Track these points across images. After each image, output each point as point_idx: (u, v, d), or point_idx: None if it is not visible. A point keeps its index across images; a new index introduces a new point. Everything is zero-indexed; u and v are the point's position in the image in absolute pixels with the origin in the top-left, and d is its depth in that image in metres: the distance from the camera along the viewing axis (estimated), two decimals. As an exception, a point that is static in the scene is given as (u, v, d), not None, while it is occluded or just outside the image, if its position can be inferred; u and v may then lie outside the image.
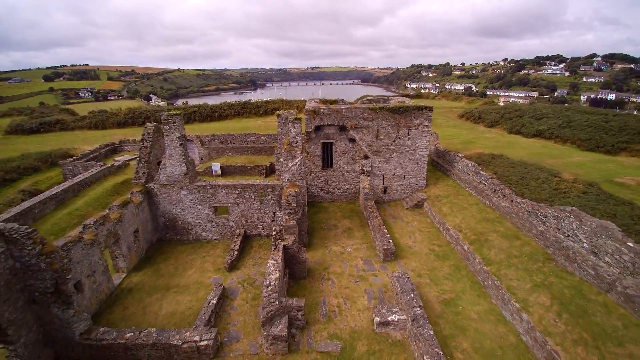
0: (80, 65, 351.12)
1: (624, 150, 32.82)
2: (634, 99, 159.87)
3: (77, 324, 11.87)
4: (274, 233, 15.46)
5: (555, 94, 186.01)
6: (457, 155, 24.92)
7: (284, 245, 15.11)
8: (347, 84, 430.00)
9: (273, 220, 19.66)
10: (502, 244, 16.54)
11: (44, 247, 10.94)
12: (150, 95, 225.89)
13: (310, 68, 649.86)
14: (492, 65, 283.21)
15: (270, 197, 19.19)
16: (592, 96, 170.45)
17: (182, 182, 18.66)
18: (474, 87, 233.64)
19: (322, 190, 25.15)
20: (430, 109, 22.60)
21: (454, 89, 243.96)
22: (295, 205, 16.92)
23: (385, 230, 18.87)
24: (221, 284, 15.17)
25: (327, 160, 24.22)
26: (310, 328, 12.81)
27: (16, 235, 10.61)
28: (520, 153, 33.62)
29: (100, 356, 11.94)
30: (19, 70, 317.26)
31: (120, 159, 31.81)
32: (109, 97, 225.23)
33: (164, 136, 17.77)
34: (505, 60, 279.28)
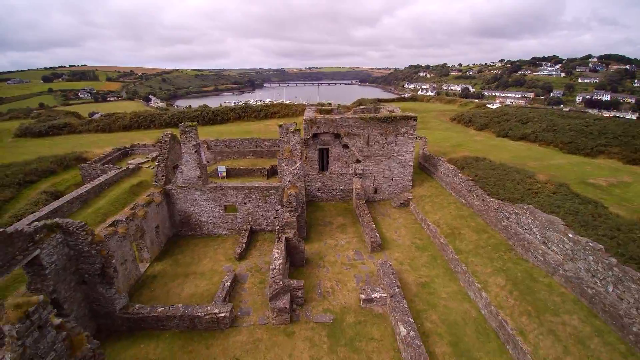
0: (78, 65, 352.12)
1: (602, 153, 35.35)
2: (629, 100, 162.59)
3: (118, 300, 14.56)
4: (277, 228, 18.19)
5: (551, 94, 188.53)
6: (440, 159, 27.69)
7: (285, 238, 17.82)
8: (345, 84, 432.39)
9: (276, 217, 22.38)
10: (472, 236, 19.33)
11: (94, 238, 13.60)
12: (150, 96, 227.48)
13: (309, 68, 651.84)
14: (489, 66, 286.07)
15: (273, 197, 21.91)
16: (588, 97, 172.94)
17: (196, 184, 21.35)
18: (470, 87, 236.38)
19: (319, 190, 27.86)
20: (415, 118, 25.34)
21: (451, 89, 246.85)
22: (295, 204, 19.63)
23: (374, 226, 21.64)
24: (232, 271, 17.90)
25: (323, 164, 26.95)
26: (308, 304, 15.56)
27: (72, 227, 13.28)
28: (505, 156, 36.21)
29: (136, 327, 14.62)
30: (18, 71, 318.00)
31: (133, 162, 34.35)
32: (108, 98, 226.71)
33: (182, 144, 20.44)
34: (502, 61, 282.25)
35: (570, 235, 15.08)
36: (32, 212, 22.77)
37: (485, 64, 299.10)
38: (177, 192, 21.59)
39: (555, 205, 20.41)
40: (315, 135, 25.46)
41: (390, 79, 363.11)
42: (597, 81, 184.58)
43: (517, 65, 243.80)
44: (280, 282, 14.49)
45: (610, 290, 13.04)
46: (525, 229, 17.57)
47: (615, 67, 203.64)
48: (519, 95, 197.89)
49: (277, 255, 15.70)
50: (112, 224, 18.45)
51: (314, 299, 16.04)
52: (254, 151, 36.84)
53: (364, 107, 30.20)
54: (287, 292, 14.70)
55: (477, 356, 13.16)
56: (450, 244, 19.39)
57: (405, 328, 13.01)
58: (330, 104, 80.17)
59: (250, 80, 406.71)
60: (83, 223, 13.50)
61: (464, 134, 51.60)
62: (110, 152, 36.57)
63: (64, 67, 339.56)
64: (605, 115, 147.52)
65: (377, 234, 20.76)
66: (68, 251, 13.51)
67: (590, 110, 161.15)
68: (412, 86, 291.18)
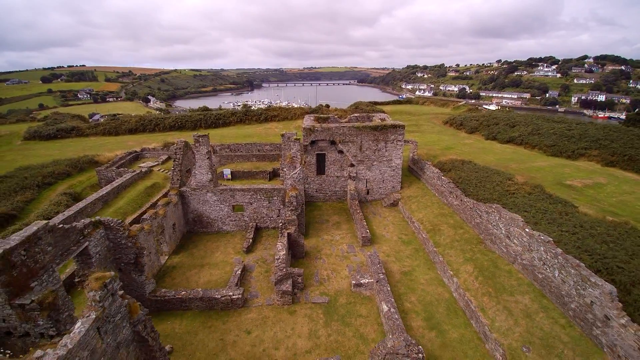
0: (77, 66, 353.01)
1: (583, 156, 37.94)
2: (624, 100, 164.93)
3: (147, 285, 17.34)
4: (280, 225, 21.01)
5: (547, 95, 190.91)
6: (427, 163, 30.56)
7: (288, 233, 20.63)
8: (343, 84, 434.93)
9: (278, 216, 25.19)
10: (449, 232, 22.21)
11: (129, 232, 16.37)
12: (149, 96, 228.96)
13: (307, 68, 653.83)
14: (485, 66, 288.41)
15: (276, 198, 24.72)
16: (583, 97, 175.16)
17: (208, 187, 24.13)
18: (467, 88, 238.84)
19: (316, 192, 30.69)
20: (403, 127, 28.17)
21: (448, 90, 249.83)
22: (295, 204, 22.44)
23: (365, 223, 24.51)
24: (242, 262, 20.73)
25: (320, 167, 29.79)
26: (307, 289, 18.41)
27: (112, 224, 16.05)
28: (490, 158, 38.87)
29: (163, 308, 17.40)
30: (16, 71, 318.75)
31: (144, 165, 37.07)
32: (107, 99, 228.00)
33: (195, 151, 23.20)
34: (499, 61, 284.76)
35: (527, 230, 17.96)
36: (57, 212, 25.45)
37: (483, 64, 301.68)
38: (190, 193, 24.35)
39: (528, 205, 23.17)
40: (313, 142, 28.26)
41: (388, 79, 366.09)
42: (593, 82, 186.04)
43: (513, 66, 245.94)
44: (284, 270, 17.32)
45: (556, 275, 15.93)
46: (493, 225, 20.45)
47: (610, 67, 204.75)
48: (516, 96, 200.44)
49: (280, 248, 18.55)
50: (136, 221, 21.21)
51: (312, 284, 18.89)
52: (256, 155, 39.62)
53: (358, 115, 33.03)
54: (289, 278, 17.53)
55: (445, 328, 16.05)
56: (431, 239, 22.27)
57: (386, 305, 15.87)
58: (328, 106, 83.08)
59: (248, 80, 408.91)
60: (121, 220, 16.26)
61: (455, 137, 54.13)
62: (122, 156, 39.22)
63: (63, 67, 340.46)
64: (600, 115, 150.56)
65: (368, 230, 23.63)
66: (108, 243, 16.27)
67: (585, 111, 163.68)
68: (409, 87, 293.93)
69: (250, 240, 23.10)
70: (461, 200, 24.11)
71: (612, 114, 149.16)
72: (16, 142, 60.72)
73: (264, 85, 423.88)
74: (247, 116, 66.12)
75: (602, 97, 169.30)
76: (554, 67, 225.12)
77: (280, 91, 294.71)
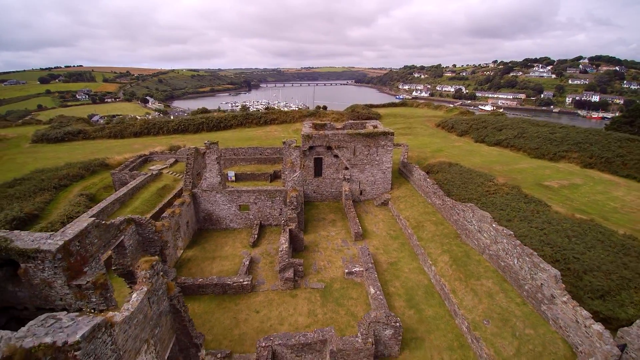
0: (74, 66, 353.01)
1: (564, 158, 40.75)
2: (617, 101, 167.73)
3: (170, 273, 20.27)
4: (282, 222, 23.99)
5: (542, 95, 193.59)
6: (414, 167, 33.62)
7: (289, 229, 23.61)
8: (340, 84, 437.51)
9: (280, 214, 28.17)
10: (431, 228, 25.29)
11: (156, 228, 19.29)
12: (147, 97, 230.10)
13: (305, 68, 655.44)
14: (482, 67, 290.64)
15: (278, 198, 27.69)
16: (577, 98, 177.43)
17: (217, 189, 27.06)
18: (464, 88, 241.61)
19: (314, 192, 33.69)
20: (392, 133, 31.20)
21: (445, 90, 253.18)
22: (296, 203, 25.41)
23: (357, 221, 27.54)
24: (249, 254, 23.69)
25: (318, 170, 32.80)
26: (307, 276, 21.43)
27: (142, 221, 18.95)
28: (477, 160, 41.76)
29: (183, 293, 20.22)
30: (13, 71, 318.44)
31: (154, 168, 39.85)
32: (106, 100, 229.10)
33: (205, 157, 26.11)
34: (495, 62, 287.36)
35: (494, 225, 21.02)
36: (77, 212, 27.81)
37: (479, 65, 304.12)
38: (201, 194, 27.26)
39: (504, 204, 26.11)
40: (311, 148, 31.25)
41: (385, 79, 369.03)
42: (587, 82, 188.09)
43: (509, 67, 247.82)
44: (287, 260, 20.31)
45: (515, 262, 19.02)
46: (468, 221, 23.53)
47: (605, 68, 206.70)
48: (511, 97, 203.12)
49: (283, 241, 21.55)
50: (156, 218, 24.06)
51: (311, 273, 21.92)
52: (258, 158, 42.53)
53: (352, 122, 36.05)
54: (291, 267, 20.53)
55: (423, 307, 19.12)
56: (415, 234, 25.34)
57: (374, 289, 18.92)
58: (325, 107, 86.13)
59: (246, 80, 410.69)
60: (149, 218, 19.17)
61: (446, 139, 56.92)
62: (133, 159, 41.96)
63: (60, 67, 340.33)
64: (594, 115, 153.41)
65: (360, 227, 26.67)
66: (138, 237, 19.17)
67: (579, 111, 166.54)
68: (406, 87, 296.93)
69: (256, 235, 26.07)
70: (443, 200, 27.18)
71: (606, 114, 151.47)
72: (24, 144, 62.92)
73: (261, 85, 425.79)
74: (247, 119, 68.90)
75: (596, 98, 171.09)
76: (549, 67, 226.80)
77: (278, 91, 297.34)
